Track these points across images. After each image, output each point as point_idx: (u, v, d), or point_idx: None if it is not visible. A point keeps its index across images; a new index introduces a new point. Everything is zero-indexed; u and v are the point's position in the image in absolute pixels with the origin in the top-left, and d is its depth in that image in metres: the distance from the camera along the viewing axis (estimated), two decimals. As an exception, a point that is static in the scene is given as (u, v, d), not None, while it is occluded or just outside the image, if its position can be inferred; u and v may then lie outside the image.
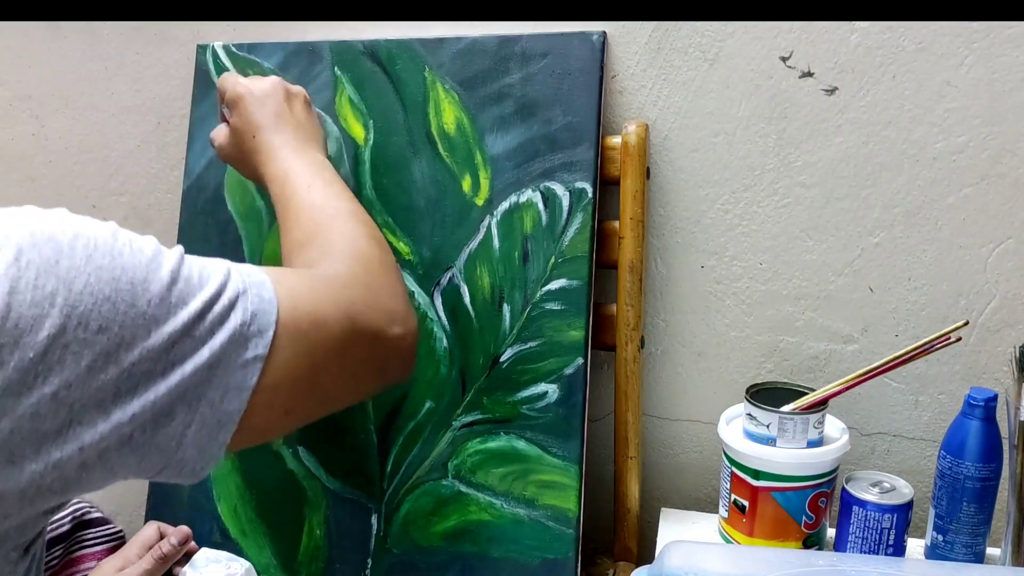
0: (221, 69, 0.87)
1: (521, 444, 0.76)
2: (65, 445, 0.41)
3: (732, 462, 0.72)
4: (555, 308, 0.76)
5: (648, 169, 0.78)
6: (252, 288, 0.48)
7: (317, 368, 0.52)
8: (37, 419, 0.40)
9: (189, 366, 0.44)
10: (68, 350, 0.40)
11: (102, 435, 0.42)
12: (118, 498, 1.02)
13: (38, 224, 0.41)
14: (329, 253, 0.59)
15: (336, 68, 0.83)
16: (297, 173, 0.66)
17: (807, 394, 0.72)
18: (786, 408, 0.70)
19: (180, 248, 0.47)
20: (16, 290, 0.39)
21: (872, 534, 0.68)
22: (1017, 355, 0.66)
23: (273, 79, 0.72)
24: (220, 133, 0.74)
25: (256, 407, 0.48)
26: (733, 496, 0.72)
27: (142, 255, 0.44)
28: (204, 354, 0.45)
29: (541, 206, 0.77)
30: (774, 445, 0.69)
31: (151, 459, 0.45)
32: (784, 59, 0.75)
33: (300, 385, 0.51)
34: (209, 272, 0.47)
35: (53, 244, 0.41)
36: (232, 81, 0.72)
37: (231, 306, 0.47)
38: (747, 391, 0.72)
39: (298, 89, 0.74)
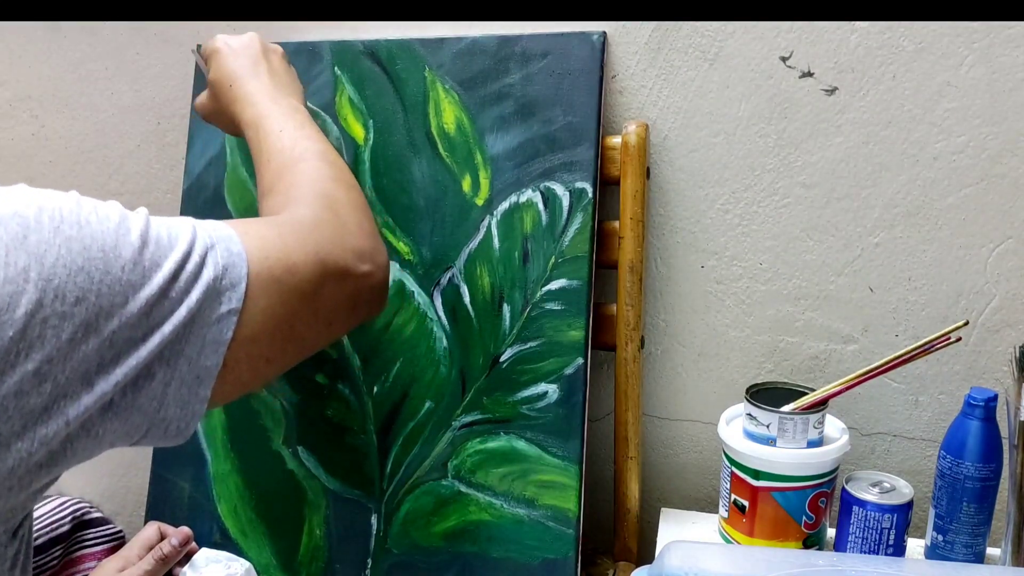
0: (221, 69, 0.87)
1: (521, 444, 0.76)
2: (51, 421, 0.41)
3: (732, 462, 0.72)
4: (555, 308, 0.76)
5: (648, 169, 0.78)
6: (220, 243, 0.49)
7: (292, 314, 0.52)
8: (21, 396, 0.40)
9: (168, 327, 0.45)
10: (47, 324, 0.40)
11: (86, 406, 0.42)
12: (118, 498, 1.03)
13: (1, 201, 0.41)
14: (295, 197, 0.59)
15: (336, 68, 0.83)
16: (270, 117, 0.66)
17: (807, 394, 0.72)
18: (786, 408, 0.70)
19: (144, 210, 0.48)
20: None
21: (872, 534, 0.68)
22: (1017, 355, 0.65)
23: (250, 33, 0.73)
24: (202, 94, 0.74)
25: (235, 360, 0.48)
26: (733, 496, 0.72)
27: (109, 222, 0.44)
28: (181, 313, 0.45)
29: (541, 206, 0.77)
30: (774, 445, 0.69)
31: (134, 421, 0.45)
32: (784, 59, 0.75)
33: (277, 333, 0.51)
34: (176, 231, 0.47)
35: (19, 219, 0.41)
36: (211, 40, 0.73)
37: (202, 263, 0.47)
38: (747, 391, 0.72)
39: (275, 46, 0.74)
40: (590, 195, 0.75)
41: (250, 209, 0.85)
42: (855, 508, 0.68)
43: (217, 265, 0.48)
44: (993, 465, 0.66)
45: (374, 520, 0.79)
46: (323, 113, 0.83)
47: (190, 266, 0.46)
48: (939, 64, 0.72)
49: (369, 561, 0.78)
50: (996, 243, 0.74)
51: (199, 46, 0.76)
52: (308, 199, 0.59)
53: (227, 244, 0.49)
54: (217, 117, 0.73)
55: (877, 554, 0.68)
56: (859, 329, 0.78)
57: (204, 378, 0.47)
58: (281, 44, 0.85)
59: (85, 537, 0.76)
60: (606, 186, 0.78)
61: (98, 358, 0.42)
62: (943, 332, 0.68)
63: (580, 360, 0.75)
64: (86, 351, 0.41)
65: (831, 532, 0.74)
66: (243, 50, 0.71)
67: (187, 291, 0.46)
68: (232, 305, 0.48)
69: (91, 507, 0.77)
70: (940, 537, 0.69)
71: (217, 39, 0.72)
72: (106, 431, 0.44)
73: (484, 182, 0.78)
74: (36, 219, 0.41)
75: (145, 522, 0.77)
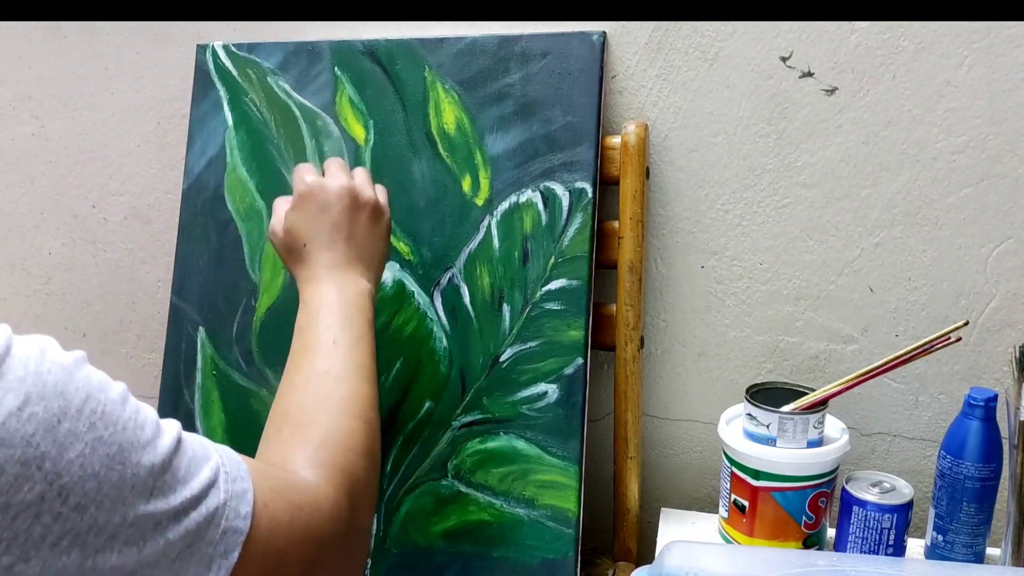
0: (221, 69, 0.87)
1: (521, 444, 0.76)
2: None
3: (732, 462, 0.72)
4: (555, 308, 0.76)
5: (648, 169, 0.78)
6: (232, 500, 0.44)
7: None
8: None
9: (156, 572, 0.41)
10: (39, 521, 0.36)
11: None
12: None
13: (55, 373, 0.38)
14: (324, 462, 0.54)
15: (336, 68, 0.83)
16: (330, 313, 0.62)
17: (807, 394, 0.72)
18: (786, 408, 0.70)
19: (178, 430, 0.44)
20: (7, 443, 0.35)
21: (872, 534, 0.68)
22: (1017, 355, 0.65)
23: (343, 183, 0.67)
24: (278, 215, 0.69)
25: None
26: (733, 496, 0.72)
27: (142, 433, 0.41)
28: (171, 565, 0.41)
29: (541, 206, 0.77)
30: (774, 445, 0.69)
31: None
32: (784, 59, 0.75)
33: None
34: (197, 467, 0.43)
35: (62, 402, 0.38)
36: (304, 172, 0.68)
37: (208, 519, 0.43)
38: (747, 391, 0.72)
39: (368, 197, 0.68)
40: (590, 195, 0.75)
41: (250, 209, 0.85)
42: (855, 508, 0.68)
43: (219, 527, 0.43)
44: (993, 465, 0.66)
45: (374, 520, 0.79)
46: (323, 114, 0.83)
47: (195, 515, 0.42)
48: (939, 64, 0.72)
49: (369, 561, 0.78)
50: (996, 243, 0.74)
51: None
52: (336, 474, 0.54)
53: (238, 504, 0.45)
54: (283, 257, 0.69)
55: (877, 554, 0.68)
56: (859, 329, 0.78)
57: None
58: (281, 44, 0.85)
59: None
60: (606, 186, 0.78)
61: (75, 573, 0.38)
62: (943, 332, 0.68)
63: (580, 360, 0.75)
64: (66, 563, 0.37)
65: (831, 532, 0.74)
66: (330, 206, 0.66)
67: (182, 541, 0.41)
68: (220, 573, 0.43)
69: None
70: (940, 537, 0.69)
71: (308, 180, 0.67)
72: None
73: (484, 182, 0.78)
74: (78, 408, 0.38)
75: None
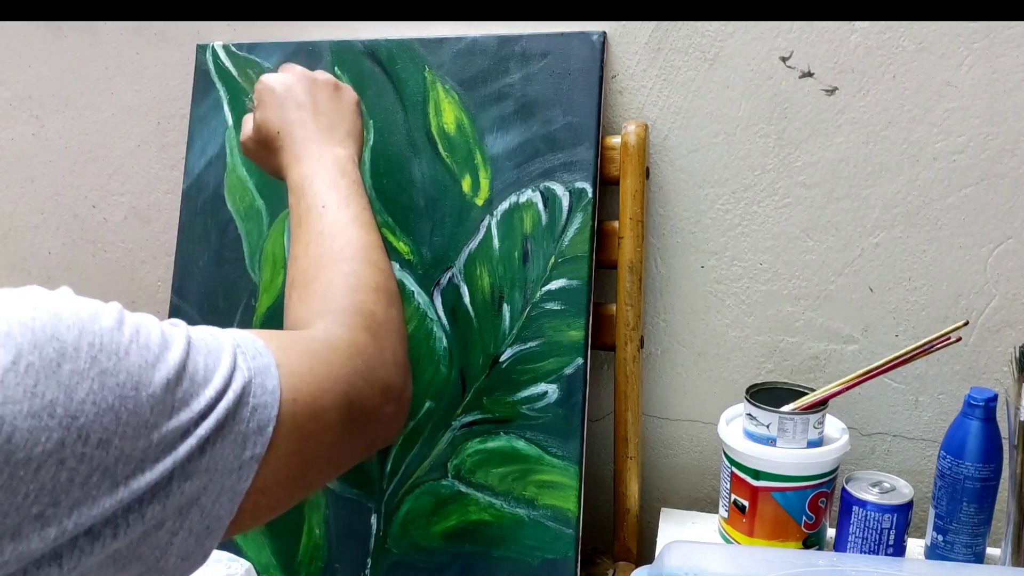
0: (221, 69, 0.87)
1: (521, 444, 0.76)
2: (48, 567, 0.36)
3: (732, 462, 0.72)
4: (555, 308, 0.76)
5: (648, 169, 0.78)
6: (256, 376, 0.44)
7: (307, 463, 0.48)
8: (20, 540, 0.35)
9: (188, 470, 0.40)
10: (63, 466, 0.35)
11: (86, 553, 0.37)
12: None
13: (41, 318, 0.37)
14: (332, 308, 0.55)
15: (336, 68, 0.83)
16: (313, 183, 0.63)
17: (807, 394, 0.72)
18: (786, 408, 0.70)
19: (185, 332, 0.43)
20: (11, 399, 0.34)
21: (872, 534, 0.68)
22: (1017, 355, 0.65)
23: (297, 70, 0.70)
24: (247, 124, 0.72)
25: (243, 510, 0.44)
26: (733, 496, 0.72)
27: (148, 352, 0.40)
28: (202, 459, 0.41)
29: (541, 206, 0.77)
30: (774, 445, 0.69)
31: (131, 570, 0.40)
32: (784, 59, 0.75)
33: (289, 483, 0.47)
34: (215, 359, 0.43)
35: (56, 344, 0.36)
36: (260, 78, 0.71)
37: (236, 403, 0.43)
38: (747, 391, 0.72)
39: (325, 77, 0.71)
40: (590, 195, 0.75)
41: (250, 209, 0.85)
42: (855, 508, 0.68)
43: (248, 406, 0.43)
44: (993, 465, 0.66)
45: (374, 520, 0.79)
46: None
47: (221, 407, 0.42)
48: (939, 64, 0.72)
49: (369, 561, 0.78)
50: (996, 243, 0.74)
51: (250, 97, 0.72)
52: (346, 315, 0.55)
53: (263, 379, 0.45)
54: (262, 161, 0.71)
55: (877, 554, 0.68)
56: (859, 329, 0.78)
57: (214, 529, 0.42)
58: (281, 44, 0.85)
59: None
60: (606, 186, 0.78)
61: (111, 509, 0.38)
62: (943, 332, 0.68)
63: (580, 360, 0.75)
64: (97, 497, 0.37)
65: (831, 532, 0.74)
66: (289, 91, 0.68)
67: (213, 436, 0.41)
68: (256, 451, 0.43)
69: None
70: (940, 537, 0.69)
71: (265, 79, 0.70)
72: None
73: (484, 182, 0.78)
74: (75, 346, 0.37)
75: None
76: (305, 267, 0.60)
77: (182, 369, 0.41)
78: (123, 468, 0.38)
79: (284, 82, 0.69)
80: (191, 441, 0.40)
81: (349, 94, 0.71)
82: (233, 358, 0.44)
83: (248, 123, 0.71)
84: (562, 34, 0.77)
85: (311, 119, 0.68)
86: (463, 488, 0.77)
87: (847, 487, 0.70)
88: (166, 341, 0.41)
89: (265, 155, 0.69)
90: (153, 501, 0.39)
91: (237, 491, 0.43)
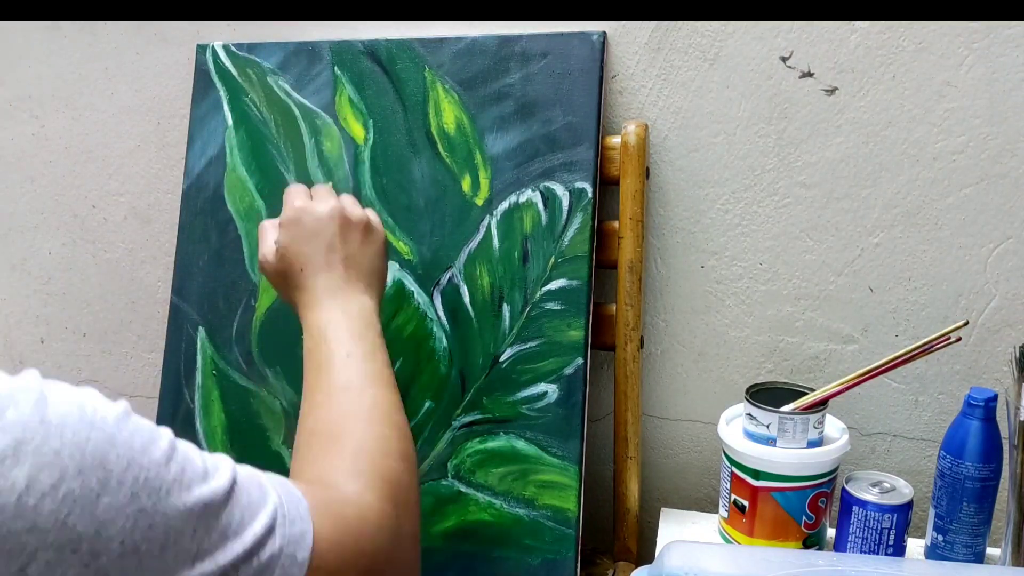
0: (221, 69, 0.87)
1: (521, 444, 0.76)
2: None
3: (732, 462, 0.72)
4: (555, 308, 0.76)
5: (648, 169, 0.78)
6: (288, 547, 0.41)
7: None
8: None
9: None
10: None
11: None
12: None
13: (95, 441, 0.35)
14: (364, 471, 0.53)
15: (336, 68, 0.83)
16: (336, 331, 0.61)
17: (807, 394, 0.72)
18: (786, 408, 0.70)
19: (231, 475, 0.41)
20: (40, 527, 0.32)
21: (872, 534, 0.68)
22: (1017, 355, 0.65)
23: (332, 205, 0.66)
24: (268, 243, 0.67)
25: None
26: (733, 496, 0.72)
27: (188, 494, 0.37)
28: None
29: (541, 206, 0.77)
30: (774, 445, 0.69)
31: None
32: (784, 59, 0.75)
33: None
34: (252, 514, 0.40)
35: (102, 473, 0.34)
36: (293, 195, 0.67)
37: (261, 572, 0.40)
38: (747, 391, 0.72)
39: (359, 216, 0.67)
40: (590, 195, 0.75)
41: (250, 209, 0.85)
42: (855, 508, 0.68)
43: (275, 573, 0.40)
44: (993, 465, 0.66)
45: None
46: (323, 113, 0.83)
47: (246, 571, 0.39)
48: (939, 64, 0.72)
49: None
50: (996, 243, 0.74)
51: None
52: (379, 481, 0.52)
53: (295, 550, 0.42)
54: (278, 285, 0.68)
55: (877, 554, 0.68)
56: (859, 329, 0.78)
57: None
58: (281, 44, 0.85)
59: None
60: (606, 186, 0.78)
61: None
62: (943, 332, 0.68)
63: (580, 360, 0.75)
64: None
65: (831, 532, 0.74)
66: (319, 230, 0.64)
67: None
68: None
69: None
70: (940, 537, 0.69)
71: (298, 205, 0.65)
72: None
73: (484, 182, 0.78)
74: (119, 479, 0.35)
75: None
76: (332, 419, 0.57)
77: (216, 516, 0.38)
78: None
79: (316, 217, 0.65)
80: None
81: (379, 235, 0.68)
82: (271, 520, 0.41)
83: (268, 241, 0.67)
84: (562, 34, 0.77)
85: (340, 266, 0.64)
86: (463, 488, 0.77)
87: (847, 487, 0.70)
88: (206, 476, 0.39)
89: (282, 283, 0.66)
90: None
91: None
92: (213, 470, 0.40)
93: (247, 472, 0.42)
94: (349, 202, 0.68)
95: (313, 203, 0.66)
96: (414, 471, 0.57)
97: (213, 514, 0.38)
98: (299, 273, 0.64)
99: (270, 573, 0.40)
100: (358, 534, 0.47)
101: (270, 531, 0.41)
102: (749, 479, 0.71)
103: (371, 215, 0.69)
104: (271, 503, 0.42)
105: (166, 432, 0.39)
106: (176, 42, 0.91)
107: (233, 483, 0.40)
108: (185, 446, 0.40)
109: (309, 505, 0.44)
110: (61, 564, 0.33)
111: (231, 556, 0.38)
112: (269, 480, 0.44)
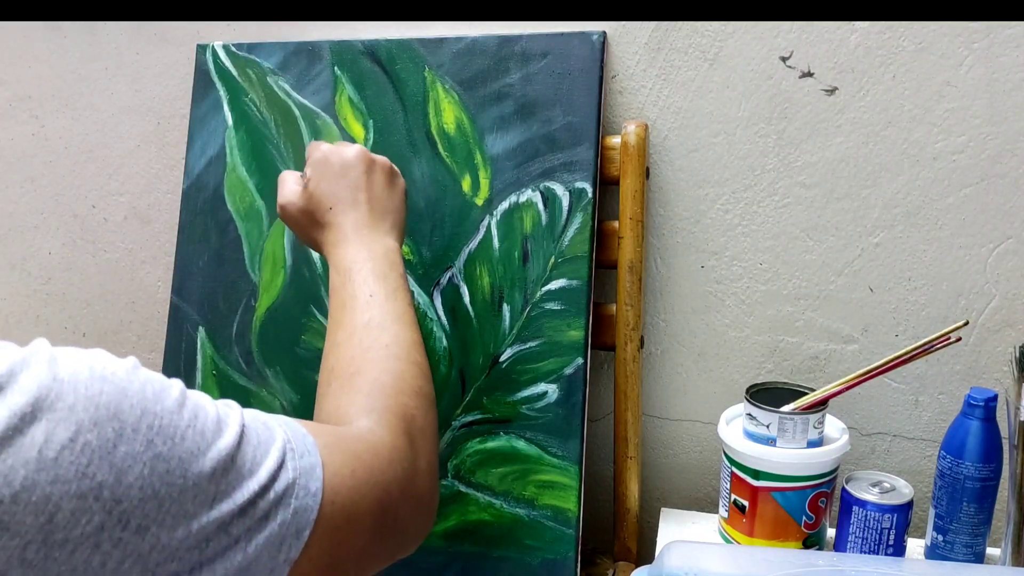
0: (221, 69, 0.87)
1: (521, 444, 0.76)
2: None
3: (732, 462, 0.72)
4: (555, 308, 0.76)
5: (648, 169, 0.78)
6: (301, 478, 0.43)
7: (335, 567, 0.46)
8: None
9: (219, 568, 0.39)
10: (98, 550, 0.34)
11: None
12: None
13: (108, 394, 0.36)
14: (376, 408, 0.55)
15: (336, 68, 0.83)
16: (362, 270, 0.63)
17: (807, 394, 0.72)
18: (786, 408, 0.70)
19: (240, 419, 0.42)
20: (62, 478, 0.33)
21: (872, 534, 0.68)
22: (1017, 355, 0.65)
23: (357, 148, 0.68)
24: (290, 187, 0.69)
25: None
26: (733, 496, 0.72)
27: (202, 439, 0.39)
28: (237, 557, 0.39)
29: (541, 206, 0.77)
30: (774, 445, 0.69)
31: None
32: (784, 59, 0.75)
33: None
34: (263, 452, 0.42)
35: (117, 424, 0.36)
36: (317, 144, 0.70)
37: (277, 502, 0.41)
38: (747, 391, 0.72)
39: (383, 161, 0.69)
40: (590, 195, 0.75)
41: (250, 209, 0.85)
42: (855, 508, 0.68)
43: (290, 508, 0.42)
44: (993, 465, 0.66)
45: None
46: (323, 113, 0.83)
47: (263, 504, 0.41)
48: (939, 64, 0.72)
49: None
50: (996, 243, 0.74)
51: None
52: (390, 416, 0.54)
53: (308, 480, 0.44)
54: (301, 229, 0.69)
55: (877, 554, 0.68)
56: (859, 329, 0.78)
57: None
58: (281, 44, 0.85)
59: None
60: (606, 186, 0.78)
61: None
62: (943, 332, 0.68)
63: (580, 360, 0.75)
64: None
65: (831, 532, 0.74)
66: (349, 169, 0.67)
67: (250, 533, 0.40)
68: (290, 554, 0.42)
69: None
70: (940, 537, 0.69)
71: (324, 148, 0.68)
72: None
73: (484, 182, 0.78)
74: (134, 427, 0.36)
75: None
76: (350, 356, 0.59)
77: (230, 460, 0.40)
78: (156, 556, 0.36)
79: (343, 157, 0.67)
80: (227, 538, 0.39)
81: (401, 181, 0.71)
82: (282, 453, 0.43)
83: (290, 186, 0.69)
84: (562, 34, 0.77)
85: (365, 204, 0.66)
86: (463, 488, 0.77)
87: (847, 487, 0.70)
88: (220, 427, 0.40)
89: (308, 225, 0.68)
90: None
91: None
92: (225, 415, 0.41)
93: (252, 414, 0.44)
94: (376, 155, 0.71)
95: (339, 146, 0.69)
96: (431, 408, 0.59)
97: (229, 456, 0.40)
98: (327, 212, 0.66)
99: (286, 503, 0.42)
100: (370, 467, 0.49)
101: (281, 464, 0.42)
102: (749, 479, 0.71)
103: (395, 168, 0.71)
104: (279, 439, 0.44)
105: (177, 382, 0.40)
106: (176, 42, 0.91)
107: (243, 425, 0.42)
108: (196, 394, 0.41)
109: (317, 442, 0.46)
110: (86, 512, 0.34)
111: (248, 493, 0.40)
112: (273, 419, 0.45)
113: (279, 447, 0.43)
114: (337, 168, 0.67)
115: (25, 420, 0.33)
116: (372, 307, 0.61)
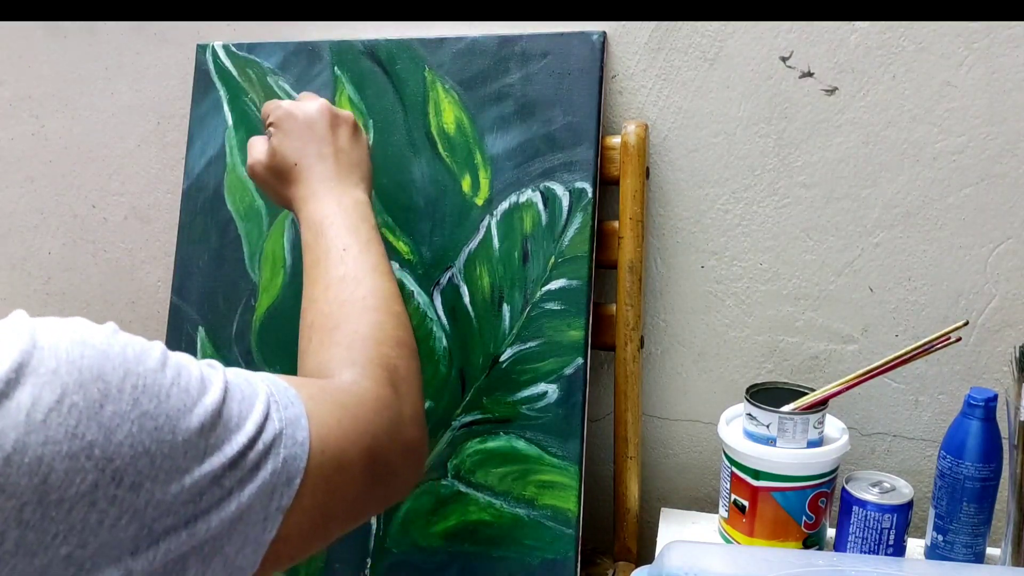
0: (221, 69, 0.87)
1: (521, 444, 0.76)
2: None
3: (732, 462, 0.72)
4: (555, 308, 0.76)
5: (648, 169, 0.78)
6: (288, 427, 0.44)
7: (329, 515, 0.48)
8: None
9: (214, 519, 0.40)
10: (95, 508, 0.35)
11: None
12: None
13: (89, 357, 0.37)
14: (356, 359, 0.55)
15: (336, 68, 0.83)
16: (333, 224, 0.63)
17: (807, 394, 0.72)
18: (786, 408, 0.70)
19: (223, 376, 0.43)
20: (52, 439, 0.34)
21: (872, 534, 0.68)
22: (1017, 355, 0.65)
23: (321, 102, 0.68)
24: (258, 148, 0.69)
25: (264, 560, 0.43)
26: (733, 496, 0.72)
27: (187, 396, 0.40)
28: (231, 507, 0.40)
29: (541, 206, 0.77)
30: (774, 445, 0.69)
31: None
32: (784, 59, 0.75)
33: (310, 534, 0.47)
34: (248, 406, 0.43)
35: (101, 384, 0.36)
36: (276, 102, 0.69)
37: (266, 452, 0.42)
38: (747, 391, 0.72)
39: (347, 115, 0.69)
40: (590, 195, 0.75)
41: (250, 209, 0.85)
42: (855, 508, 0.68)
43: (279, 456, 0.43)
44: (993, 465, 0.66)
45: (373, 520, 0.79)
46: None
47: (252, 455, 0.42)
48: (939, 64, 0.72)
49: (368, 560, 0.78)
50: (996, 243, 0.74)
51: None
52: (372, 367, 0.55)
53: (294, 430, 0.45)
54: (270, 188, 0.69)
55: (877, 554, 0.68)
56: (859, 329, 0.78)
57: None
58: (281, 44, 0.85)
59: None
60: (606, 186, 0.78)
61: (133, 545, 0.37)
62: (943, 332, 0.68)
63: (580, 360, 0.75)
64: (123, 538, 0.37)
65: (831, 532, 0.74)
66: (313, 123, 0.67)
67: (243, 483, 0.41)
68: (282, 502, 0.43)
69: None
70: (940, 537, 0.69)
71: (286, 105, 0.68)
72: None
73: (484, 182, 0.78)
74: (118, 387, 0.37)
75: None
76: (327, 312, 0.59)
77: (217, 415, 0.41)
78: (152, 512, 0.37)
79: (306, 112, 0.67)
80: (220, 490, 0.40)
81: (364, 135, 0.71)
82: (266, 406, 0.44)
83: (258, 147, 0.69)
84: (562, 34, 0.77)
85: (331, 157, 0.66)
86: (463, 488, 0.77)
87: (847, 487, 0.70)
88: (204, 384, 0.41)
89: (276, 183, 0.68)
90: (179, 535, 0.38)
91: (261, 542, 0.42)
92: (208, 374, 0.42)
93: (234, 371, 0.45)
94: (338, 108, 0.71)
95: (302, 102, 0.69)
96: (412, 356, 0.60)
97: (215, 411, 0.41)
98: (293, 168, 0.66)
99: (275, 453, 0.43)
100: (356, 417, 0.50)
101: (267, 416, 0.43)
102: (749, 479, 0.71)
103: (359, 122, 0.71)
104: (263, 393, 0.45)
105: (158, 344, 0.41)
106: (176, 42, 0.92)
107: (227, 382, 0.43)
108: (178, 355, 0.42)
109: (300, 394, 0.47)
110: (79, 471, 0.35)
111: (238, 446, 0.41)
112: (255, 376, 0.46)
113: (263, 400, 0.44)
114: (301, 123, 0.67)
115: (10, 385, 0.34)
116: (347, 260, 0.61)
